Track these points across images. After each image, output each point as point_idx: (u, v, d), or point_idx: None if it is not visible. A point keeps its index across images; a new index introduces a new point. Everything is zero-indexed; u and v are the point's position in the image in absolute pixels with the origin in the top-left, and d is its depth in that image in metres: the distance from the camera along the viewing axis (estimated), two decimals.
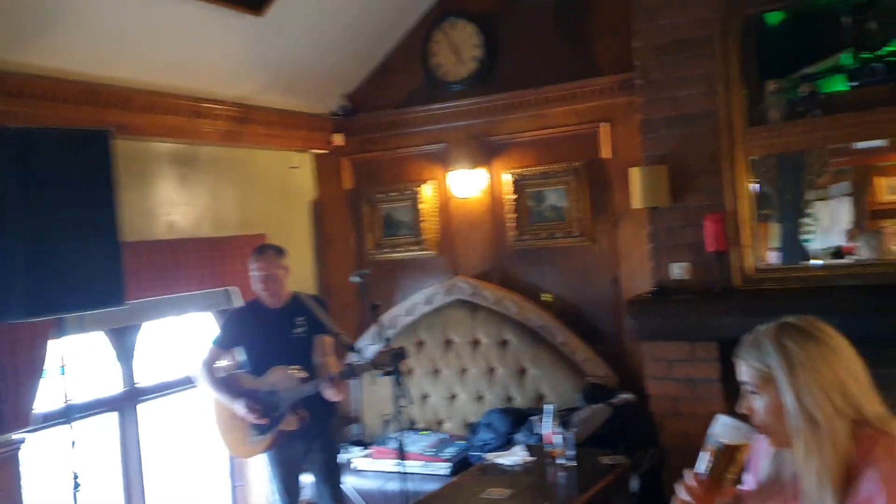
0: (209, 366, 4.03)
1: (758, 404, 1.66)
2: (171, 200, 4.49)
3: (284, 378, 3.91)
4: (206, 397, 4.10)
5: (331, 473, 4.13)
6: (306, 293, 4.22)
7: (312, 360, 4.02)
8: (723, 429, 1.68)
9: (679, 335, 4.09)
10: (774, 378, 1.60)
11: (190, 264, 4.38)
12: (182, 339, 4.81)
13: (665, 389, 4.21)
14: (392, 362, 3.69)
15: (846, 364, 1.60)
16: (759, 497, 1.75)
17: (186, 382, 4.70)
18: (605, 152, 4.82)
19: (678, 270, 4.27)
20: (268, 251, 4.12)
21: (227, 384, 4.02)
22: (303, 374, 3.88)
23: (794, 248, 4.32)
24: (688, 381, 4.14)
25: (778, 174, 4.32)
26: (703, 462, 1.71)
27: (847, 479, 1.54)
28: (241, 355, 4.13)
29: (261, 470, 4.84)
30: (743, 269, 4.09)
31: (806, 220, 4.30)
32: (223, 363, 4.18)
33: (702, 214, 4.13)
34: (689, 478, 1.71)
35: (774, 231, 4.39)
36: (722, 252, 4.06)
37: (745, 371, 1.67)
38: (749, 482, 1.86)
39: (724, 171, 4.10)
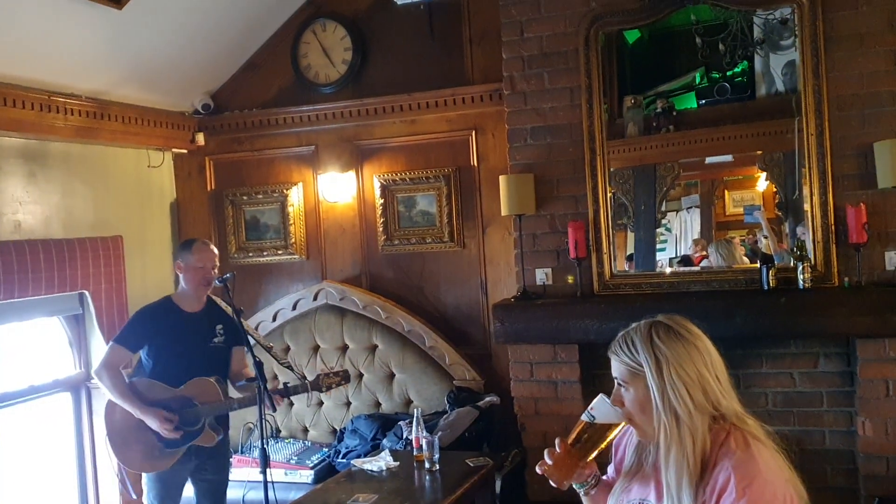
0: (115, 369, 3.59)
1: (627, 397, 1.74)
2: (17, 199, 4.19)
3: (206, 390, 3.64)
4: (105, 403, 3.66)
5: (221, 496, 3.90)
6: (218, 298, 3.88)
7: (228, 372, 3.80)
8: (601, 406, 1.76)
9: (542, 338, 4.22)
10: (643, 373, 1.68)
11: (37, 267, 4.10)
12: (27, 346, 4.49)
13: (528, 391, 4.34)
14: (339, 384, 3.70)
15: (709, 362, 1.70)
16: (621, 484, 1.84)
17: (33, 392, 4.41)
18: (475, 160, 4.91)
19: (542, 276, 4.41)
20: (209, 244, 3.80)
21: (137, 392, 3.61)
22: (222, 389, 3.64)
23: (648, 256, 4.57)
24: (549, 383, 4.29)
25: (634, 185, 4.54)
26: (574, 431, 1.81)
27: (703, 470, 1.65)
28: (146, 359, 3.71)
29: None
30: (602, 275, 4.28)
31: (659, 229, 4.55)
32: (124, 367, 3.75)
33: (565, 222, 4.29)
34: (557, 444, 1.82)
35: (630, 240, 4.61)
36: (582, 258, 4.22)
37: (616, 366, 1.75)
38: (611, 472, 1.95)
39: (586, 181, 4.27)
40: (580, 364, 4.22)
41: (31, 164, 4.29)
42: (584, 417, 1.80)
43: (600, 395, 1.78)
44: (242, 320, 3.67)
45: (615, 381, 1.76)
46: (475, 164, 4.92)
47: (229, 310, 3.67)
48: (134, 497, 3.99)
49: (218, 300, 3.85)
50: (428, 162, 5.01)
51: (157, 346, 3.68)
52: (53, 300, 4.38)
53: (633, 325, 1.76)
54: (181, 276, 3.77)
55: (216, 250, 3.83)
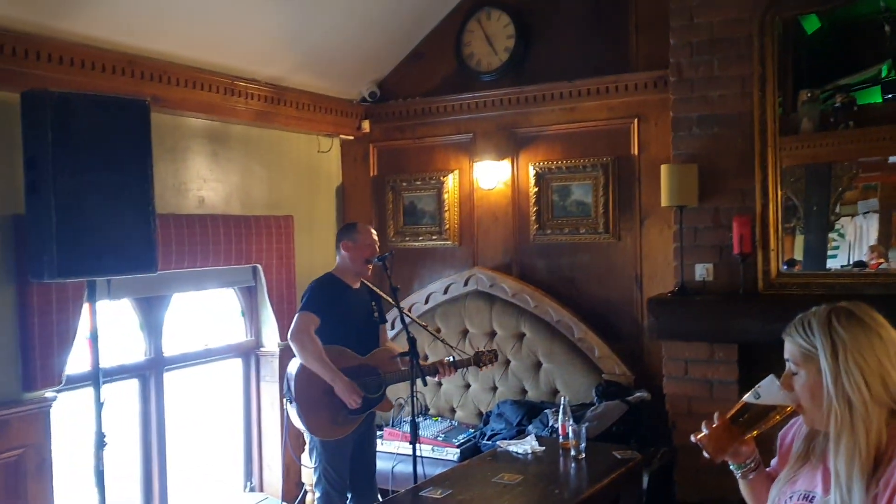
0: (310, 334, 3.76)
1: (797, 382, 1.68)
2: (202, 176, 4.54)
3: (386, 359, 3.92)
4: (297, 369, 3.80)
5: (373, 460, 4.13)
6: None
7: (377, 346, 4.05)
8: (768, 386, 1.71)
9: (699, 336, 4.09)
10: (816, 357, 1.62)
11: (217, 240, 4.43)
12: (205, 313, 4.86)
13: (681, 389, 4.22)
14: (492, 361, 4.04)
15: (892, 353, 1.61)
16: (786, 475, 1.78)
17: (208, 355, 4.78)
18: (636, 149, 4.82)
19: (702, 271, 4.27)
20: (368, 226, 4.11)
21: (329, 357, 3.80)
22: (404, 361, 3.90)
23: (817, 261, 4.29)
24: (704, 382, 4.15)
25: (805, 185, 4.29)
26: (735, 408, 1.77)
27: (876, 464, 1.56)
28: (325, 327, 3.84)
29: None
30: (767, 274, 4.08)
31: (832, 234, 4.27)
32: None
33: (729, 216, 4.12)
34: (715, 416, 1.79)
35: (797, 244, 4.35)
36: (747, 255, 4.05)
37: (788, 347, 1.70)
38: (773, 464, 1.89)
39: (755, 174, 4.09)
40: (738, 365, 4.06)
41: (215, 144, 4.64)
42: (747, 398, 1.75)
43: (770, 375, 1.73)
44: (386, 299, 3.93)
45: (786, 363, 1.71)
46: (635, 153, 4.82)
47: (377, 290, 3.94)
48: (298, 462, 4.20)
49: (366, 281, 4.09)
50: (586, 150, 4.96)
51: (333, 316, 3.86)
52: (230, 272, 4.73)
53: (814, 308, 1.69)
54: (347, 254, 3.97)
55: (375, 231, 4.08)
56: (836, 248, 4.26)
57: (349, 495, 4.02)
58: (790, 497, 1.74)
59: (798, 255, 4.24)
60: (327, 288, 3.94)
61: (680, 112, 4.28)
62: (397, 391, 4.85)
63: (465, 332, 5.23)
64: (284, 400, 3.91)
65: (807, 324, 1.66)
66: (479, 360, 4.02)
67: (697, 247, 4.27)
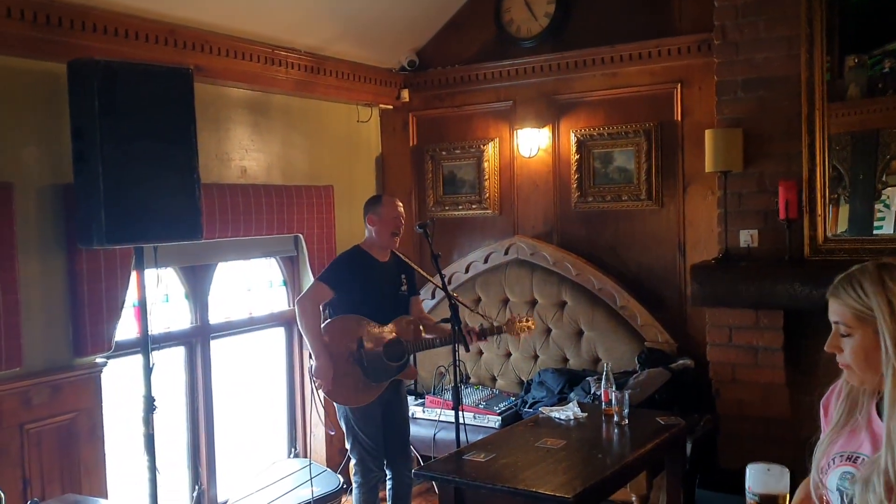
0: (316, 304, 3.87)
1: (847, 343, 1.64)
2: (244, 146, 4.58)
3: (409, 329, 3.98)
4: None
5: (406, 431, 4.17)
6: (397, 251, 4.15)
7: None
8: (757, 477, 1.69)
9: (744, 302, 4.03)
10: (873, 318, 1.59)
11: (259, 209, 4.48)
12: (248, 281, 4.93)
13: (725, 356, 4.18)
14: (526, 329, 4.00)
15: None
16: (829, 436, 1.75)
17: (252, 323, 4.85)
18: (679, 114, 4.74)
19: (746, 237, 4.20)
20: (394, 198, 4.13)
21: (348, 326, 3.88)
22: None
23: (863, 231, 4.18)
24: (749, 349, 4.10)
25: (851, 153, 4.17)
26: None
27: None
28: (340, 301, 3.93)
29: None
30: (814, 239, 4.01)
31: (878, 204, 4.16)
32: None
33: (775, 181, 4.05)
34: None
35: (842, 214, 4.24)
36: (793, 220, 3.98)
37: (838, 310, 1.66)
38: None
39: (802, 138, 4.00)
40: (784, 331, 4.01)
41: (256, 114, 4.67)
42: (750, 499, 1.73)
43: (749, 468, 1.72)
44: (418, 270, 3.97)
45: (833, 324, 1.67)
46: (679, 118, 4.74)
47: (408, 261, 3.96)
48: (332, 433, 4.26)
49: (398, 253, 4.12)
50: (628, 116, 4.90)
51: (355, 288, 3.92)
52: (272, 241, 4.78)
53: (856, 266, 1.65)
54: (373, 228, 4.03)
55: (400, 203, 4.10)
56: (882, 218, 4.14)
57: (384, 461, 4.07)
58: (833, 459, 1.72)
59: (843, 226, 4.14)
60: (350, 261, 4.00)
61: (724, 75, 4.20)
62: (438, 359, 4.92)
63: (506, 301, 5.24)
64: (308, 369, 3.99)
65: (857, 284, 1.62)
66: (512, 328, 3.98)
67: (742, 213, 4.20)
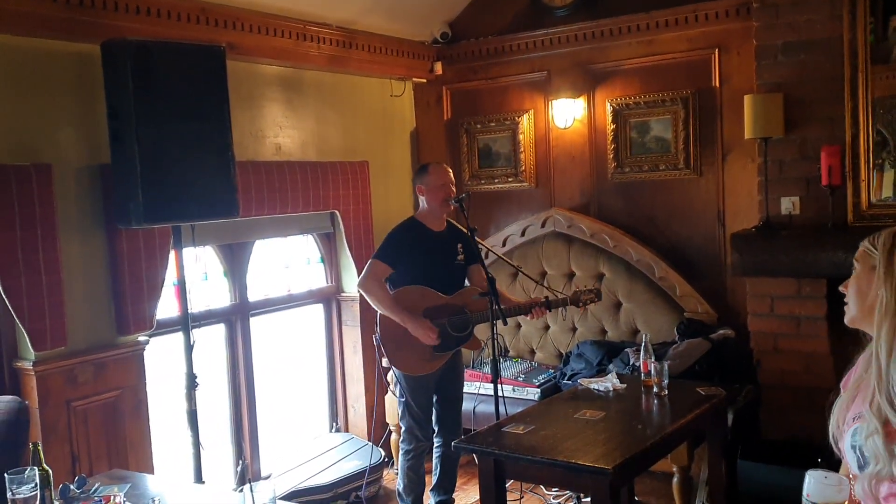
0: (379, 282, 3.89)
1: (852, 280, 1.77)
2: (278, 123, 4.60)
3: (473, 299, 3.96)
4: (380, 314, 3.93)
5: (460, 401, 4.19)
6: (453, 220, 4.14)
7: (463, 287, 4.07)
8: (816, 486, 1.65)
9: (786, 271, 3.96)
10: (874, 256, 1.69)
11: (295, 186, 4.50)
12: (286, 259, 4.97)
13: (767, 326, 4.12)
14: (593, 300, 3.97)
15: None
16: (842, 403, 1.79)
17: (290, 300, 4.89)
18: (717, 81, 4.63)
19: (787, 205, 4.11)
20: (443, 164, 4.10)
21: (410, 297, 3.88)
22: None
23: None
24: (791, 318, 4.04)
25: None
26: None
27: None
28: (399, 274, 3.94)
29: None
30: (858, 205, 3.91)
31: None
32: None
33: (817, 147, 3.95)
34: None
35: (888, 180, 4.11)
36: (836, 186, 3.88)
37: (858, 250, 1.77)
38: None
39: (845, 102, 3.88)
40: (827, 300, 3.93)
41: (289, 91, 4.67)
42: None
43: (808, 475, 1.66)
44: (477, 238, 3.86)
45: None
46: (717, 85, 4.64)
47: (467, 232, 3.87)
48: (398, 397, 4.26)
49: (454, 222, 4.07)
50: (664, 84, 4.80)
51: (412, 261, 3.92)
52: (308, 218, 4.80)
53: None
54: (424, 197, 3.99)
55: (449, 168, 4.04)
56: None
57: (436, 429, 4.11)
58: (847, 423, 1.73)
59: (888, 191, 4.02)
60: (404, 234, 3.98)
61: (764, 39, 4.09)
62: (477, 333, 4.90)
63: (544, 274, 5.20)
64: (373, 338, 4.01)
65: (879, 234, 1.73)
66: (577, 300, 3.93)
67: (783, 180, 4.11)
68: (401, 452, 4.08)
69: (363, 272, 3.95)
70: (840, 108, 3.90)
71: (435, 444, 4.15)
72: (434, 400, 4.09)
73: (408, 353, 3.91)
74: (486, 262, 4.04)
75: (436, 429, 4.13)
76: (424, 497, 4.14)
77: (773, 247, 3.98)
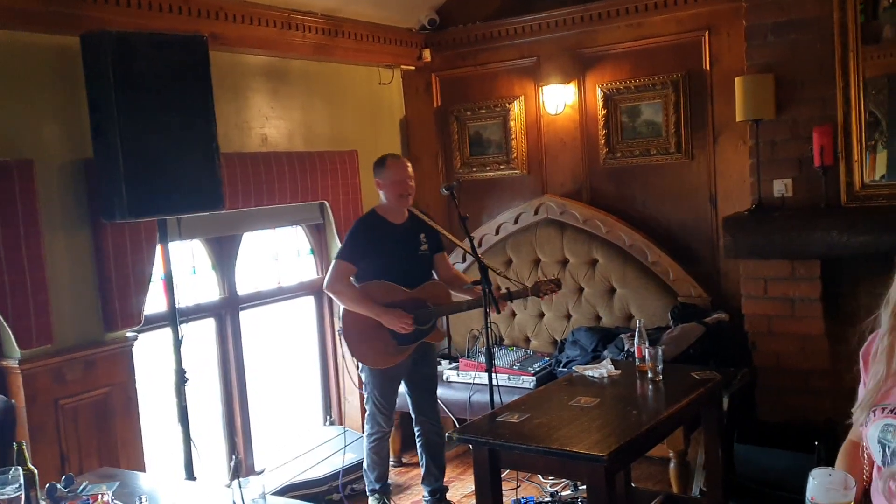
0: (344, 282, 3.93)
1: None
2: (264, 114, 4.54)
3: (437, 292, 4.01)
4: (343, 308, 3.99)
5: (433, 387, 4.24)
6: (418, 209, 4.16)
7: (433, 277, 4.11)
8: (820, 489, 1.57)
9: (779, 253, 3.94)
10: None
11: (282, 177, 4.44)
12: (274, 251, 4.92)
13: (761, 308, 4.10)
14: (553, 291, 3.96)
15: None
16: (873, 391, 1.72)
17: (281, 293, 4.85)
18: (707, 63, 4.59)
19: (780, 187, 4.08)
20: (401, 157, 4.11)
21: (373, 294, 3.92)
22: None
23: None
24: (785, 300, 4.01)
25: (888, 96, 4.01)
26: None
27: None
28: (364, 269, 3.97)
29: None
30: (851, 185, 3.88)
31: None
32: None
33: (809, 127, 3.92)
34: None
35: (879, 161, 4.08)
36: (829, 167, 3.85)
37: None
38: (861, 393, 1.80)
39: (836, 81, 3.85)
40: (822, 281, 3.90)
41: (275, 81, 4.61)
42: None
43: (812, 475, 1.58)
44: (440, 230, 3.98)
45: None
46: (707, 67, 4.59)
47: (427, 220, 3.95)
48: (361, 392, 4.32)
49: (416, 211, 4.09)
50: (654, 68, 4.76)
51: (374, 256, 3.95)
52: (297, 210, 4.75)
53: None
54: (382, 192, 4.02)
55: (408, 162, 4.06)
56: None
57: (413, 417, 4.21)
58: (874, 411, 1.67)
59: (881, 171, 3.98)
60: (365, 230, 4.01)
61: (753, 20, 4.05)
62: (471, 322, 4.88)
63: (537, 262, 5.17)
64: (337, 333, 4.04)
65: None
66: (537, 290, 3.95)
67: (775, 161, 4.08)
68: (364, 435, 4.18)
69: (328, 274, 3.99)
70: (831, 88, 3.87)
71: (416, 433, 4.23)
72: (408, 390, 4.17)
73: (371, 347, 3.95)
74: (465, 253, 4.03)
75: (414, 416, 4.22)
76: (417, 489, 4.16)
77: (765, 229, 3.96)
